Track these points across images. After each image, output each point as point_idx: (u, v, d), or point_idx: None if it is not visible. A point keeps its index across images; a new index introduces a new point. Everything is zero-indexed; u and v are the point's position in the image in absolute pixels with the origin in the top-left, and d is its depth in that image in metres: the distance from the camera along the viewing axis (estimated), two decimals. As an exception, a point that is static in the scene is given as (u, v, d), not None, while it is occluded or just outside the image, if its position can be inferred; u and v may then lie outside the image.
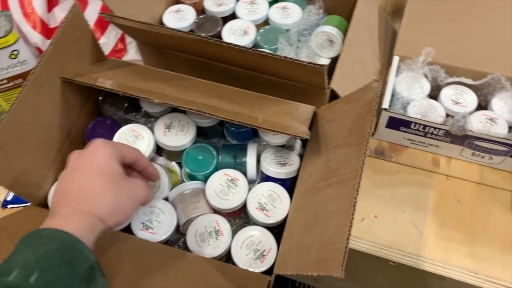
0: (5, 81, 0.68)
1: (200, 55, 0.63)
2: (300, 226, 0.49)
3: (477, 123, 0.65)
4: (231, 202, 0.54)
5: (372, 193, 0.67)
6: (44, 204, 0.54)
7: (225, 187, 0.55)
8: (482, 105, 0.69)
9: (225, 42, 0.52)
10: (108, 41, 0.77)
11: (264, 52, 0.50)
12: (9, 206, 0.66)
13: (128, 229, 0.53)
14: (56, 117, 0.54)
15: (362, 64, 0.68)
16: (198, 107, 0.51)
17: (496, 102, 0.66)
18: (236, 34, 0.69)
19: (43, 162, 0.54)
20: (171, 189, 0.58)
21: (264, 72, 0.61)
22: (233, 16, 0.73)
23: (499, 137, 0.61)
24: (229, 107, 0.52)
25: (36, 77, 0.49)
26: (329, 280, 0.80)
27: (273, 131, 0.49)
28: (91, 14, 0.76)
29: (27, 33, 0.71)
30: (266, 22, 0.73)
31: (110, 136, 0.59)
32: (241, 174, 0.57)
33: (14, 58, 0.66)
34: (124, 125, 0.63)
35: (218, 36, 0.71)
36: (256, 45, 0.70)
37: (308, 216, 0.48)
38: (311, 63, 0.49)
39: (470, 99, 0.67)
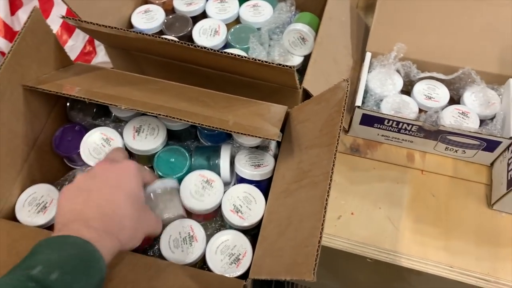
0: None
1: (170, 57, 0.61)
2: (274, 229, 0.48)
3: (450, 118, 0.65)
4: (206, 203, 0.53)
5: (348, 190, 0.67)
6: (10, 217, 0.52)
7: (200, 188, 0.54)
8: (455, 99, 0.70)
9: (194, 45, 0.51)
10: (76, 43, 0.75)
11: (233, 54, 0.49)
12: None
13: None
14: (20, 126, 0.52)
15: (335, 62, 0.67)
16: (167, 111, 0.49)
17: (468, 96, 0.67)
18: (207, 34, 0.68)
19: (9, 172, 0.52)
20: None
21: (235, 73, 0.60)
22: (203, 15, 0.72)
23: (470, 131, 0.61)
24: (199, 111, 0.51)
25: (-5, 87, 0.48)
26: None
27: (244, 134, 0.48)
28: (57, 17, 0.74)
29: (-9, 38, 0.69)
30: (237, 20, 0.72)
31: (79, 143, 0.58)
32: (216, 175, 0.56)
33: (-23, 65, 0.64)
34: (94, 130, 0.62)
35: (189, 36, 0.69)
36: (227, 44, 0.69)
37: (282, 218, 0.47)
38: (280, 64, 0.49)
39: (443, 93, 0.68)
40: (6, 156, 0.51)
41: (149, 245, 0.55)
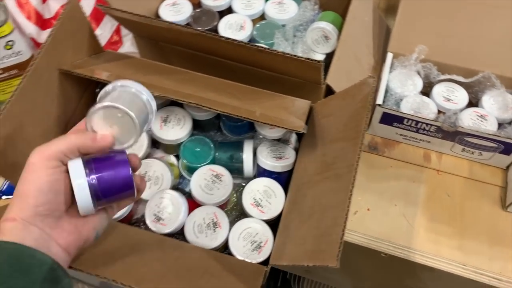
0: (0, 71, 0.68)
1: (197, 49, 0.63)
2: (296, 218, 0.50)
3: (468, 120, 0.66)
4: (215, 196, 0.55)
5: (365, 187, 0.68)
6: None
7: (210, 182, 0.56)
8: (473, 102, 0.71)
9: (222, 37, 0.53)
10: (103, 33, 0.77)
11: (261, 47, 0.51)
12: (4, 197, 0.66)
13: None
14: (54, 109, 0.54)
15: (357, 60, 0.69)
16: (197, 100, 0.51)
17: (487, 100, 0.68)
18: (233, 29, 0.70)
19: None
20: (173, 182, 0.58)
21: (260, 67, 0.61)
22: (229, 10, 0.74)
23: (489, 134, 0.62)
24: (227, 101, 0.53)
25: (35, 69, 0.49)
26: (321, 272, 0.82)
27: (271, 125, 0.50)
28: (86, 6, 0.76)
29: (22, 24, 0.71)
30: (262, 17, 0.73)
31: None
32: (225, 170, 0.57)
33: (9, 49, 0.66)
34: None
35: (215, 30, 0.71)
36: (252, 39, 0.71)
37: (304, 208, 0.49)
38: (308, 58, 0.50)
39: (462, 96, 0.69)
40: (40, 137, 0.53)
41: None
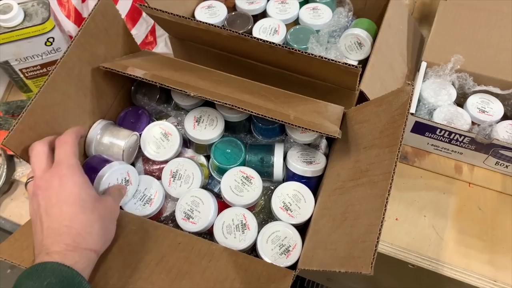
0: (38, 67, 0.70)
1: (231, 51, 0.64)
2: (327, 223, 0.49)
3: (503, 132, 0.65)
4: (245, 198, 0.55)
5: (394, 196, 0.67)
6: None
7: (240, 183, 0.56)
8: (508, 115, 0.69)
9: (259, 39, 0.53)
10: (138, 33, 0.78)
11: (301, 51, 0.51)
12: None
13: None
14: (88, 102, 0.55)
15: (391, 68, 0.68)
16: (232, 102, 0.51)
17: (523, 113, 0.67)
18: (266, 33, 0.70)
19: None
20: (203, 181, 0.59)
21: (293, 71, 0.61)
22: (263, 14, 0.74)
23: (525, 147, 0.61)
24: (261, 103, 0.53)
25: (65, 62, 0.51)
26: (344, 280, 0.81)
27: (306, 128, 0.50)
28: (123, 6, 0.78)
29: (62, 21, 0.73)
30: (296, 22, 0.74)
31: (141, 125, 0.61)
32: (256, 172, 0.57)
33: (50, 45, 0.67)
34: (155, 115, 0.64)
35: (249, 33, 0.71)
36: (286, 44, 0.71)
37: (336, 214, 0.49)
38: (345, 63, 0.50)
39: (497, 108, 0.67)
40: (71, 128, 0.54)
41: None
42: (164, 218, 0.59)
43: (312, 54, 0.51)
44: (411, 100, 0.48)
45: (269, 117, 0.50)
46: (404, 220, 0.66)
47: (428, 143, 0.69)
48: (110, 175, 0.52)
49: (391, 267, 0.66)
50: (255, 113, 0.51)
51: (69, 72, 0.53)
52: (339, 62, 0.50)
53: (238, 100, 0.53)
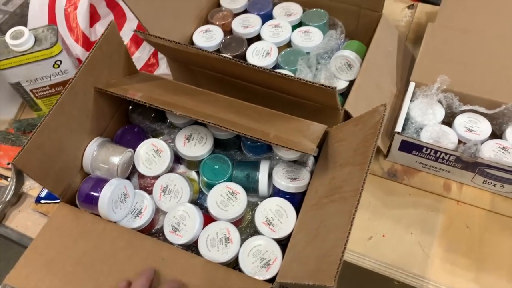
0: (47, 87, 0.75)
1: (223, 73, 0.67)
2: (303, 238, 0.51)
3: (490, 151, 0.66)
4: (230, 213, 0.58)
5: (382, 213, 0.69)
6: (71, 202, 0.59)
7: (225, 198, 0.59)
8: (497, 134, 0.70)
9: (245, 63, 0.56)
10: (142, 55, 0.83)
11: (281, 73, 0.54)
12: (42, 201, 0.72)
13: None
14: (88, 122, 0.60)
15: (378, 88, 0.70)
16: (216, 121, 0.55)
17: (510, 132, 0.67)
18: (259, 55, 0.74)
19: (74, 163, 0.59)
20: (191, 196, 0.62)
21: (282, 91, 0.64)
22: (258, 37, 0.78)
23: (509, 166, 0.62)
24: (244, 122, 0.56)
25: (73, 87, 0.55)
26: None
27: (283, 146, 0.52)
28: (128, 30, 0.83)
29: (70, 45, 0.78)
30: (289, 44, 0.77)
31: (136, 143, 0.64)
32: (241, 188, 0.60)
33: (57, 68, 0.73)
34: (150, 133, 0.68)
35: (243, 55, 0.75)
36: (277, 65, 0.74)
37: (311, 229, 0.51)
38: (322, 85, 0.53)
39: (484, 127, 0.68)
40: (74, 148, 0.58)
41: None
42: (155, 231, 0.63)
43: (291, 76, 0.54)
44: (383, 120, 0.50)
45: (249, 136, 0.53)
46: (391, 237, 0.67)
47: (416, 161, 0.70)
48: (113, 191, 0.56)
49: (377, 284, 0.67)
50: (236, 131, 0.54)
51: (75, 96, 0.58)
52: (316, 83, 0.53)
53: (221, 119, 0.56)
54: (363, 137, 0.51)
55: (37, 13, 0.80)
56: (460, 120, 0.69)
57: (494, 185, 0.66)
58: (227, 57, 0.58)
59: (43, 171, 0.54)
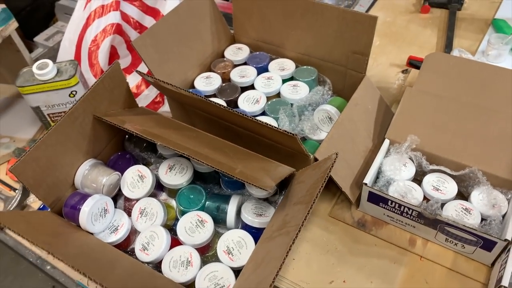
0: (62, 113, 0.85)
1: (212, 114, 0.75)
2: (251, 267, 0.56)
3: (452, 211, 0.69)
4: (195, 239, 0.63)
5: (346, 259, 0.72)
6: (60, 213, 0.66)
7: (193, 225, 0.64)
8: (465, 196, 0.73)
9: (224, 106, 0.64)
10: (150, 94, 0.93)
11: (244, 115, 0.61)
12: (40, 213, 0.80)
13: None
14: (85, 145, 0.68)
15: (352, 142, 0.76)
16: (191, 153, 0.62)
17: (476, 195, 0.70)
18: (249, 102, 0.82)
19: (66, 179, 0.67)
20: (166, 221, 0.68)
21: (258, 134, 0.71)
22: (252, 87, 0.86)
23: (465, 226, 0.64)
24: (216, 157, 0.63)
25: (72, 112, 0.64)
26: None
27: (244, 181, 0.58)
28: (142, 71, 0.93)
29: (88, 79, 0.89)
30: (278, 95, 0.85)
31: (126, 168, 0.72)
32: (210, 217, 0.66)
33: (73, 97, 0.83)
34: (141, 161, 0.76)
35: (235, 101, 0.83)
36: (264, 112, 0.81)
37: (258, 259, 0.55)
38: (285, 131, 0.59)
39: (451, 188, 0.72)
40: (67, 165, 0.67)
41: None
42: (130, 250, 0.68)
43: (259, 121, 0.61)
44: (332, 165, 0.55)
45: (216, 169, 0.60)
46: (350, 283, 0.69)
47: (384, 214, 0.74)
48: (94, 205, 0.63)
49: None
50: (205, 163, 0.60)
51: (74, 120, 0.67)
52: (279, 129, 0.59)
53: (196, 152, 0.63)
54: (316, 180, 0.57)
55: (67, 49, 0.93)
56: (429, 179, 0.73)
57: (456, 244, 0.69)
58: (213, 102, 0.65)
59: (36, 181, 0.62)
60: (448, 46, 1.04)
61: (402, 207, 0.69)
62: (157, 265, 0.63)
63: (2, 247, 0.82)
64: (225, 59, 0.92)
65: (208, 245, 0.66)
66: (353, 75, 0.83)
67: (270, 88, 0.84)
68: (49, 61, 0.81)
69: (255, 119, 0.61)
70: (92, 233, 0.64)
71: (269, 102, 0.82)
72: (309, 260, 0.71)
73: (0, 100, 1.02)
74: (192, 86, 0.88)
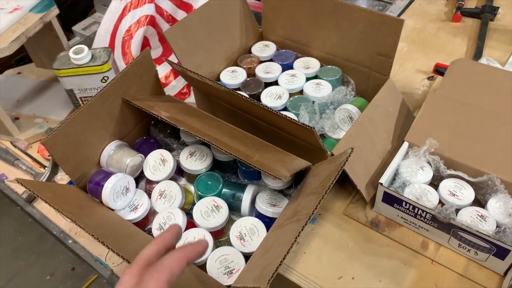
0: (93, 97, 0.89)
1: (235, 106, 0.77)
2: (261, 252, 0.58)
3: (467, 217, 0.69)
4: (210, 223, 0.65)
5: (357, 256, 0.73)
6: (83, 189, 0.70)
7: (209, 210, 0.67)
8: (482, 204, 0.73)
9: (243, 95, 0.66)
10: (177, 84, 0.96)
11: (266, 106, 0.63)
12: (66, 190, 0.84)
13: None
14: (112, 126, 0.72)
15: (371, 142, 0.76)
16: (211, 139, 0.64)
17: (493, 203, 0.70)
18: (272, 97, 0.83)
19: (93, 157, 0.71)
20: (184, 205, 0.70)
21: (277, 128, 0.73)
22: (275, 83, 0.88)
23: (479, 231, 0.64)
24: (235, 146, 0.65)
25: (102, 93, 0.68)
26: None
27: (260, 169, 0.60)
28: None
29: (120, 67, 0.93)
30: (301, 92, 0.86)
31: (150, 152, 0.75)
32: (225, 204, 0.68)
33: (104, 82, 0.87)
34: (164, 147, 0.79)
35: (258, 96, 0.85)
36: (285, 108, 0.83)
37: (268, 245, 0.57)
38: (303, 124, 0.61)
39: (468, 194, 0.71)
40: (95, 144, 0.70)
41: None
42: (147, 229, 0.71)
43: (278, 112, 0.63)
44: (347, 159, 0.57)
45: (234, 155, 0.62)
46: (359, 281, 0.70)
47: (398, 215, 0.74)
48: (116, 183, 0.66)
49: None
50: (224, 150, 0.63)
51: (104, 101, 0.70)
52: (297, 122, 0.61)
53: (216, 139, 0.65)
54: (330, 172, 0.58)
55: (102, 37, 0.97)
56: (445, 184, 0.73)
57: (469, 250, 0.68)
58: (238, 93, 0.67)
59: (65, 156, 0.65)
60: (477, 55, 1.03)
61: (416, 209, 0.70)
62: (171, 245, 0.66)
63: (30, 224, 0.87)
64: (251, 54, 0.94)
65: (221, 231, 0.68)
66: (377, 77, 0.84)
67: (293, 85, 0.85)
68: (85, 47, 0.85)
69: (275, 111, 0.63)
70: (113, 209, 0.67)
71: (291, 98, 0.84)
72: (320, 255, 0.72)
73: (37, 83, 1.08)
74: (218, 79, 0.90)
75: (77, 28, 1.27)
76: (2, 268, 1.65)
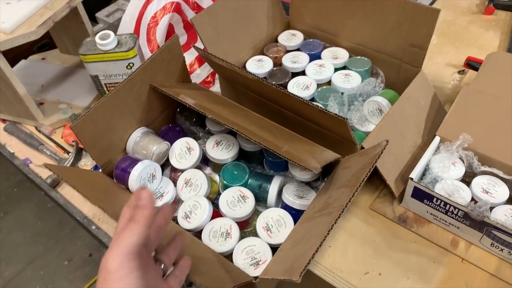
0: (118, 84, 0.89)
1: (262, 95, 0.76)
2: (290, 244, 0.56)
3: (501, 215, 0.66)
4: (236, 213, 0.64)
5: (384, 252, 0.71)
6: (109, 174, 0.69)
7: (235, 200, 0.66)
8: (516, 202, 0.70)
9: (270, 83, 0.64)
10: (202, 73, 0.95)
11: (295, 96, 0.61)
12: (90, 176, 0.84)
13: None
14: (139, 112, 0.71)
15: (401, 136, 0.74)
16: (239, 128, 0.63)
17: (528, 201, 0.68)
18: (299, 87, 0.82)
19: (119, 143, 0.70)
20: (209, 194, 0.70)
21: (306, 118, 0.71)
22: (302, 73, 0.86)
23: (514, 230, 0.62)
24: (263, 135, 0.64)
25: (131, 79, 0.67)
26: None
27: (290, 160, 0.59)
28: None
29: (145, 53, 0.93)
30: (329, 83, 0.84)
31: (175, 140, 0.74)
32: (252, 194, 0.67)
33: (129, 69, 0.86)
34: (190, 135, 0.78)
35: (285, 85, 0.84)
36: (313, 99, 0.81)
37: (297, 237, 0.56)
38: (336, 114, 0.59)
39: (502, 192, 0.69)
40: (122, 130, 0.70)
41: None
42: (173, 218, 0.71)
43: (307, 101, 0.61)
44: (382, 152, 0.55)
45: (263, 145, 0.61)
46: (386, 277, 0.68)
47: (427, 212, 0.72)
48: (143, 170, 0.66)
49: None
50: (253, 140, 0.61)
51: (132, 87, 0.70)
52: (329, 112, 0.59)
53: (244, 128, 0.64)
54: (363, 165, 0.56)
55: (127, 24, 0.96)
56: (478, 181, 0.71)
57: (502, 250, 0.66)
58: (258, 77, 0.66)
59: (92, 141, 0.65)
60: (510, 50, 0.99)
61: (448, 206, 0.68)
62: (197, 233, 0.65)
63: (49, 210, 0.87)
64: (278, 44, 0.92)
65: (247, 221, 0.67)
66: (408, 69, 0.82)
67: (321, 76, 0.83)
68: (111, 32, 0.84)
69: (306, 100, 0.61)
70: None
71: (319, 89, 0.82)
72: (346, 249, 0.71)
73: (61, 69, 1.07)
74: (244, 68, 0.89)
75: (100, 15, 1.27)
76: (21, 252, 1.68)
